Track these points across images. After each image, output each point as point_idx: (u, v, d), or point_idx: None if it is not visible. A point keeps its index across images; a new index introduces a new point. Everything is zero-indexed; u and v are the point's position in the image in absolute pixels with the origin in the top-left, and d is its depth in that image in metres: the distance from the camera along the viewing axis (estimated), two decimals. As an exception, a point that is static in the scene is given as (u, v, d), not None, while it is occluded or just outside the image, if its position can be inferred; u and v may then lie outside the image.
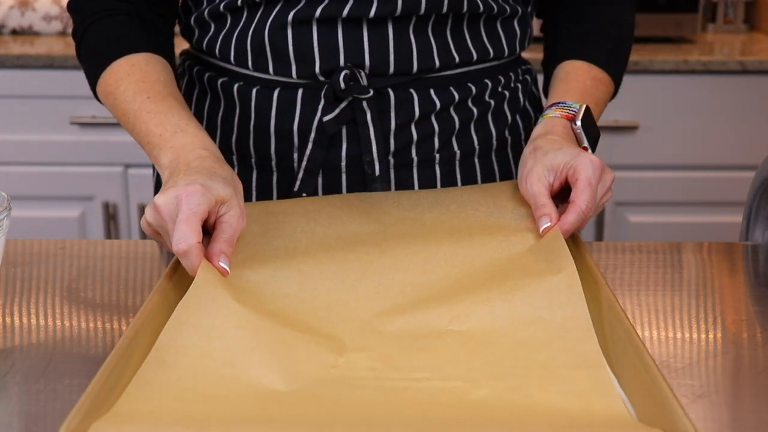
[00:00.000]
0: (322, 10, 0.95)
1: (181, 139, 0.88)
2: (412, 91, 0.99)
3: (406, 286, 0.79)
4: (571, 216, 0.85)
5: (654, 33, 2.28)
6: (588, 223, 2.22)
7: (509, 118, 1.06)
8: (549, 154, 0.89)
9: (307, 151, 0.99)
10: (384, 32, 0.96)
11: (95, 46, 0.99)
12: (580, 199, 0.85)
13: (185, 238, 0.76)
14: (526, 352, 0.69)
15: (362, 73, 0.96)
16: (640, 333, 0.77)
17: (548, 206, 0.86)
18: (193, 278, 0.84)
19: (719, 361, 0.73)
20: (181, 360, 0.66)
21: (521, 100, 1.08)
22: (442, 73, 1.00)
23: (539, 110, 1.11)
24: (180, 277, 0.81)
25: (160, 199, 0.79)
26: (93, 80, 0.99)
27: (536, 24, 1.09)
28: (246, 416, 0.60)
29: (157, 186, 1.14)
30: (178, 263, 0.82)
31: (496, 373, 0.67)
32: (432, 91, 1.00)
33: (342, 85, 0.96)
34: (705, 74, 2.11)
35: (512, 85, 1.06)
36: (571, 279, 0.76)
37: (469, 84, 1.01)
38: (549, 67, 1.07)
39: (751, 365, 0.73)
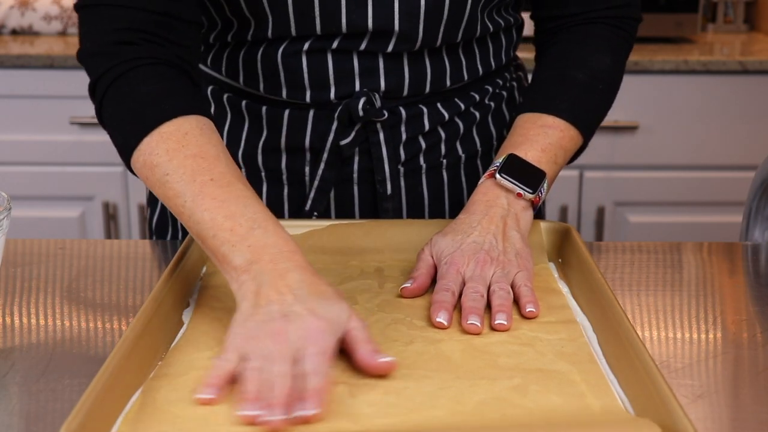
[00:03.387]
0: (339, 43, 0.93)
1: (261, 238, 0.73)
2: (421, 106, 1.00)
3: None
4: (437, 295, 0.78)
5: (654, 33, 2.28)
6: (588, 223, 2.23)
7: (507, 116, 1.07)
8: (437, 236, 0.85)
9: (320, 171, 0.99)
10: (399, 60, 0.96)
11: (131, 104, 0.83)
12: (439, 282, 0.80)
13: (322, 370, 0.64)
14: (525, 359, 0.70)
15: (377, 96, 0.96)
16: (640, 333, 0.77)
17: (421, 272, 0.83)
18: (192, 278, 0.84)
19: (719, 361, 0.73)
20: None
21: (517, 97, 1.10)
22: (450, 88, 1.01)
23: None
24: (179, 278, 0.81)
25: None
26: (129, 147, 0.82)
27: (527, 24, 1.09)
28: None
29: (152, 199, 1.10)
30: (177, 263, 0.82)
31: (493, 374, 0.67)
32: (439, 105, 1.01)
33: (360, 112, 0.95)
34: (705, 74, 2.11)
35: (508, 84, 1.08)
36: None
37: (473, 93, 1.03)
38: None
39: (751, 365, 0.73)
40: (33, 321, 0.81)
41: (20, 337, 0.78)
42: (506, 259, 0.82)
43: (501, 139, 1.06)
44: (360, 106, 0.95)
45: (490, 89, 1.05)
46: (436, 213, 1.05)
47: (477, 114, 1.03)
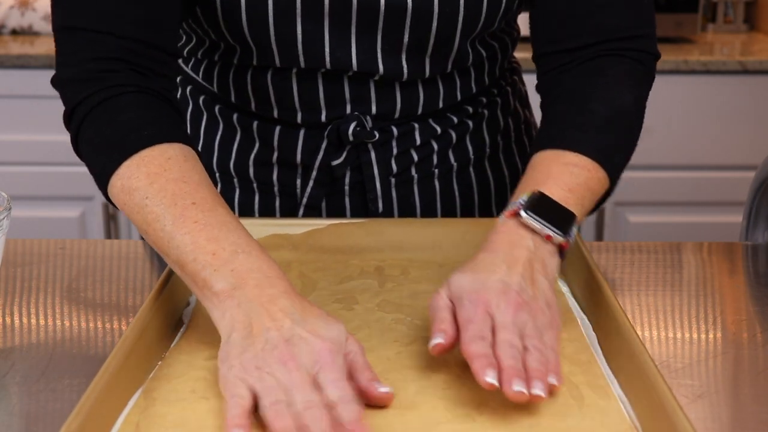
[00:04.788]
0: (329, 68, 0.92)
1: (245, 263, 0.69)
2: (414, 123, 0.98)
3: None
4: (470, 348, 0.65)
5: (654, 33, 2.28)
6: (588, 223, 2.23)
7: (501, 123, 1.05)
8: (455, 274, 0.72)
9: (308, 189, 0.98)
10: (391, 86, 0.94)
11: (112, 130, 0.79)
12: (466, 334, 0.66)
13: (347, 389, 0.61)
14: None
15: (368, 119, 0.95)
16: (640, 333, 0.77)
17: (444, 322, 0.68)
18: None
19: (719, 361, 0.73)
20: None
21: (512, 102, 1.07)
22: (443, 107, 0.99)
23: (527, 107, 1.10)
24: (180, 277, 0.81)
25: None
26: (106, 173, 0.77)
27: (522, 23, 1.06)
28: None
29: None
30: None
31: None
32: (431, 120, 0.99)
33: (351, 137, 0.94)
34: (705, 74, 2.11)
35: (503, 91, 1.05)
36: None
37: (466, 106, 1.01)
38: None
39: (751, 365, 0.73)
40: (33, 321, 0.81)
41: (20, 337, 0.78)
42: (538, 306, 0.69)
43: (495, 145, 1.04)
44: (350, 130, 0.94)
45: (484, 100, 1.02)
46: None
47: (470, 123, 1.02)
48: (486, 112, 1.02)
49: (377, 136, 0.95)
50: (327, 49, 0.89)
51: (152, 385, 0.65)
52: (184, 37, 0.99)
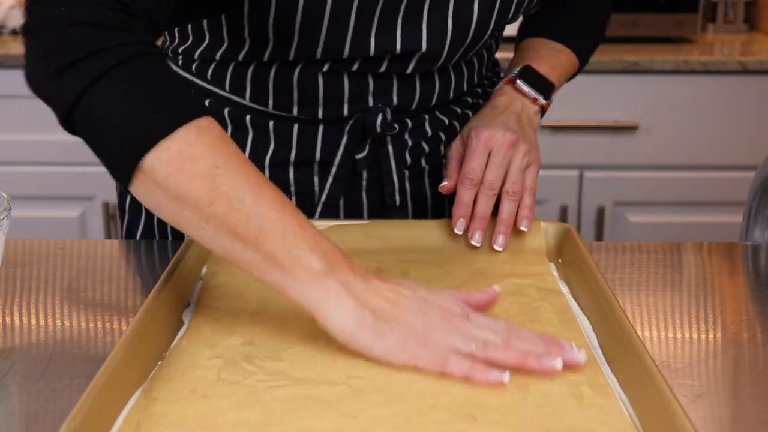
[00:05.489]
0: (359, 65, 0.94)
1: (326, 244, 0.70)
2: (424, 115, 1.02)
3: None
4: (460, 188, 0.92)
5: (654, 33, 2.28)
6: (588, 223, 2.23)
7: None
8: (467, 125, 0.98)
9: (327, 186, 0.99)
10: (412, 79, 0.98)
11: (159, 90, 0.71)
12: (465, 167, 0.92)
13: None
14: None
15: (388, 111, 0.97)
16: (640, 333, 0.77)
17: (452, 169, 0.95)
18: (192, 278, 0.84)
19: (719, 361, 0.73)
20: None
21: None
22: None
23: None
24: (179, 278, 0.81)
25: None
26: (157, 132, 0.69)
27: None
28: None
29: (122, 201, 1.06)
30: (177, 263, 0.82)
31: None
32: (437, 112, 1.03)
33: (378, 128, 0.96)
34: (705, 74, 2.11)
35: (492, 82, 1.11)
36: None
37: (466, 98, 1.06)
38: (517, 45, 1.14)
39: (751, 365, 0.73)
40: (33, 321, 0.81)
41: (20, 337, 0.78)
42: (526, 145, 0.94)
43: None
44: (378, 122, 0.96)
45: (479, 91, 1.08)
46: (438, 213, 1.06)
47: (470, 113, 1.06)
48: (480, 102, 1.08)
49: (397, 128, 0.98)
50: (373, 34, 0.91)
51: (152, 384, 0.65)
52: (191, 39, 0.98)
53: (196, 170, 0.68)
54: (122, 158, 0.70)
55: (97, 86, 0.70)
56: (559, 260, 0.91)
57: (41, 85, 0.73)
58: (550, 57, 1.05)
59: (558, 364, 0.65)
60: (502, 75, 1.08)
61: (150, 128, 0.69)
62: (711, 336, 0.78)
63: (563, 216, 2.18)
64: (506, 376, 0.65)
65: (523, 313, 0.78)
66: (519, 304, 0.80)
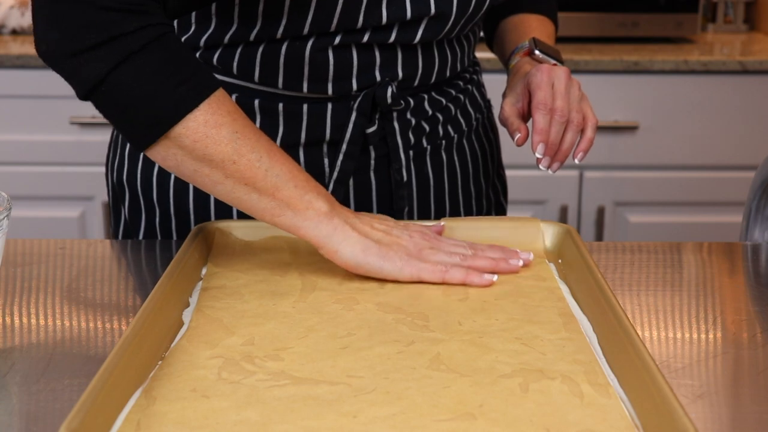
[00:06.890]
0: (369, 36, 0.96)
1: (324, 191, 0.85)
2: (423, 94, 1.04)
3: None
4: (537, 116, 0.95)
5: (654, 33, 2.28)
6: (588, 223, 2.23)
7: (479, 98, 1.15)
8: (512, 86, 1.02)
9: (338, 163, 1.00)
10: (415, 51, 1.00)
11: (179, 66, 0.81)
12: (536, 97, 0.95)
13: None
14: (525, 359, 0.70)
15: (393, 86, 0.99)
16: (640, 333, 0.77)
17: (516, 123, 0.98)
18: (192, 278, 0.84)
19: (719, 361, 0.73)
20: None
21: (479, 80, 1.18)
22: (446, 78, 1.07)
23: (482, 87, 1.20)
24: (179, 278, 0.81)
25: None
26: (188, 104, 0.80)
27: None
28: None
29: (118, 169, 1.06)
30: (177, 263, 0.82)
31: (494, 374, 0.67)
32: (434, 93, 1.05)
33: (389, 100, 0.98)
34: (705, 74, 2.11)
35: (476, 69, 1.15)
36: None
37: (457, 81, 1.09)
38: (489, 28, 1.20)
39: (751, 365, 0.73)
40: (33, 321, 0.81)
41: (20, 337, 0.78)
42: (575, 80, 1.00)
43: (478, 119, 1.14)
44: (389, 94, 0.98)
45: (468, 76, 1.12)
46: (439, 194, 1.08)
47: (461, 97, 1.10)
48: (470, 87, 1.12)
49: (403, 103, 1.01)
50: (384, 4, 0.94)
51: (153, 384, 0.65)
52: (193, 27, 0.99)
53: (220, 136, 0.80)
54: (149, 128, 0.80)
55: (126, 65, 0.78)
56: (559, 260, 0.91)
57: (62, 61, 0.80)
58: (542, 28, 1.12)
59: (520, 263, 0.86)
60: (509, 56, 1.12)
61: (177, 101, 0.79)
62: (711, 336, 0.78)
63: (563, 216, 2.18)
64: (495, 277, 0.83)
65: (523, 313, 0.78)
66: (519, 304, 0.80)
